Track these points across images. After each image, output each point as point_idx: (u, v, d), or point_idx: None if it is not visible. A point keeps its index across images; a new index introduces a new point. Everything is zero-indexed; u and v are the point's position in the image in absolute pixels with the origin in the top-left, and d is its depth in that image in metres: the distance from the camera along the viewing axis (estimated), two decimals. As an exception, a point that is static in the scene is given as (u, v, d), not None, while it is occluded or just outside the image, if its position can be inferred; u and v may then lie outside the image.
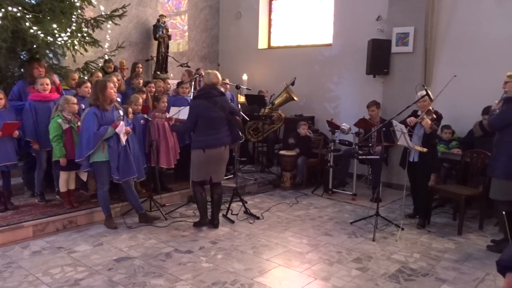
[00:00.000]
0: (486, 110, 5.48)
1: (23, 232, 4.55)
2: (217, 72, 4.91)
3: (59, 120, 4.90)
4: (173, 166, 6.00)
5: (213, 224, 5.03)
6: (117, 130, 4.63)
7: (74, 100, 5.03)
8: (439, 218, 5.59)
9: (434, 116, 4.92)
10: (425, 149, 4.88)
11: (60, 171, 5.07)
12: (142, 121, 5.57)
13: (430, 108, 4.98)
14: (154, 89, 6.55)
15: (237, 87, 6.33)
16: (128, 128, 4.78)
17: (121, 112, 4.87)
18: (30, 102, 5.13)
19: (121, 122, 4.67)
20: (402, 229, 5.02)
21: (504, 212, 4.32)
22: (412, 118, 5.07)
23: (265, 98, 7.78)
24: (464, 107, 6.25)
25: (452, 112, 6.05)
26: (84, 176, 5.22)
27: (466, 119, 6.09)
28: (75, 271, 3.82)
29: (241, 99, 7.98)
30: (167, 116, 5.33)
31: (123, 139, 4.71)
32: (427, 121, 4.83)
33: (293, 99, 7.44)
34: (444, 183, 5.99)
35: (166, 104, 5.88)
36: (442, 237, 4.90)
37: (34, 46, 5.64)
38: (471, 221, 5.43)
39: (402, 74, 6.88)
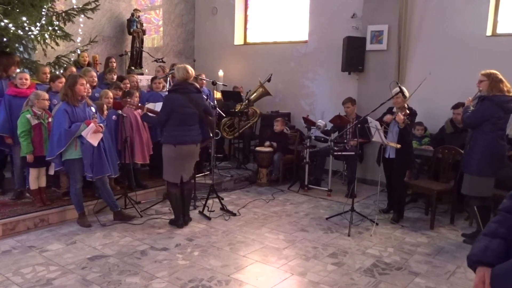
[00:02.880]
0: (457, 105, 5.64)
1: (-9, 231, 4.41)
2: (187, 66, 4.79)
3: (28, 116, 4.76)
4: (148, 162, 5.91)
5: (183, 219, 4.97)
6: (83, 133, 4.50)
7: (45, 96, 4.88)
8: (412, 213, 5.71)
9: (407, 111, 5.00)
10: (398, 146, 4.97)
11: (29, 168, 4.93)
12: (114, 116, 5.46)
13: (404, 104, 5.06)
14: (129, 85, 6.42)
15: (213, 83, 6.28)
16: (99, 127, 4.61)
17: (93, 109, 4.75)
18: (6, 96, 5.03)
19: (91, 124, 4.53)
20: (377, 224, 5.10)
21: (475, 207, 4.45)
22: (389, 116, 5.15)
23: (241, 94, 7.76)
24: (436, 104, 6.39)
25: (424, 109, 6.17)
26: (51, 170, 5.06)
27: (438, 115, 6.23)
28: (47, 271, 3.73)
29: (217, 95, 7.94)
30: (139, 105, 5.21)
31: (93, 141, 4.57)
32: (400, 116, 4.91)
33: (269, 94, 7.45)
34: (416, 178, 6.10)
35: (138, 99, 5.79)
36: (415, 231, 5.01)
37: (5, 39, 5.46)
38: (442, 215, 5.57)
39: (377, 71, 6.98)
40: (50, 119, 4.94)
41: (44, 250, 4.18)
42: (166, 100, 4.77)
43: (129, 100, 5.20)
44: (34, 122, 4.80)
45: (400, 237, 4.82)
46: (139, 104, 5.16)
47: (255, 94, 7.54)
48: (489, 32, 6.18)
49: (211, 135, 5.04)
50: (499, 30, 6.22)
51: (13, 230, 4.56)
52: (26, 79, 5.12)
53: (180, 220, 4.93)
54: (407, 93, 5.09)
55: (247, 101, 7.48)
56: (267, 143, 7.12)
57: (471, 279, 3.76)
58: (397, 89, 5.05)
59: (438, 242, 4.71)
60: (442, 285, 3.69)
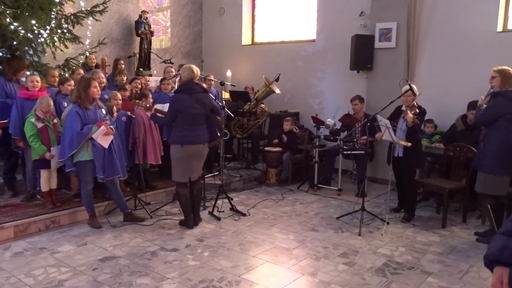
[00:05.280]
0: (472, 105, 5.56)
1: (3, 233, 4.44)
2: (192, 66, 4.80)
3: (32, 120, 4.79)
4: (160, 162, 5.92)
5: (194, 220, 4.97)
6: (93, 136, 4.51)
7: (50, 102, 4.89)
8: (423, 211, 5.65)
9: (417, 110, 4.95)
10: (409, 144, 4.92)
11: (40, 170, 4.96)
12: (123, 118, 5.48)
13: (414, 103, 5.01)
14: (140, 86, 6.43)
15: (221, 84, 6.29)
16: (110, 130, 4.62)
17: (103, 111, 4.78)
18: (18, 100, 5.07)
19: (102, 127, 4.54)
20: (388, 223, 5.05)
21: (489, 205, 4.39)
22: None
23: (250, 95, 7.75)
24: (446, 101, 6.32)
25: (435, 106, 6.10)
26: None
27: (448, 113, 6.16)
28: (58, 272, 3.75)
29: (226, 95, 7.95)
30: (148, 106, 5.20)
31: (104, 143, 4.59)
32: (410, 115, 4.86)
33: (274, 92, 7.43)
34: (427, 177, 6.05)
35: (152, 100, 5.81)
36: (427, 230, 4.96)
37: (14, 42, 5.50)
38: (454, 214, 5.51)
39: (385, 69, 6.93)
40: (55, 120, 4.98)
41: (55, 251, 4.20)
42: (172, 101, 4.79)
43: (137, 101, 5.20)
44: (40, 125, 4.83)
45: (412, 236, 4.77)
46: (148, 106, 5.16)
47: (260, 93, 7.53)
48: (499, 28, 6.10)
49: (218, 135, 5.03)
50: (510, 26, 6.14)
51: (25, 231, 4.59)
52: (38, 81, 5.16)
53: (190, 220, 4.93)
54: (416, 91, 5.03)
55: (255, 100, 7.47)
56: (276, 140, 7.09)
57: (484, 278, 3.71)
58: (407, 87, 4.99)
59: (451, 241, 4.66)
60: (455, 284, 3.64)
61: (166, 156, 5.98)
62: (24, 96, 5.08)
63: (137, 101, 5.25)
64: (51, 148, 4.84)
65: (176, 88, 5.87)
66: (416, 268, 3.94)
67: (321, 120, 6.67)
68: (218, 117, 5.01)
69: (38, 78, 5.21)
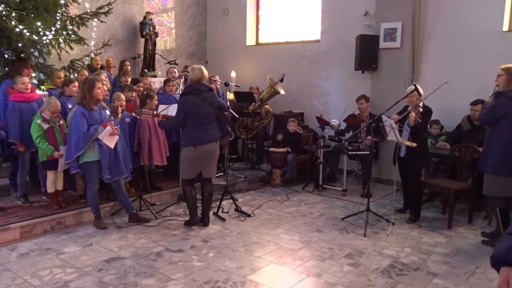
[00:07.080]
0: (476, 102, 5.54)
1: (10, 234, 4.46)
2: (202, 67, 4.84)
3: (38, 121, 4.80)
4: (166, 163, 5.93)
5: (203, 222, 4.99)
6: (99, 136, 4.54)
7: (58, 102, 4.90)
8: (428, 212, 5.62)
9: (420, 110, 4.92)
10: (414, 144, 4.90)
11: (47, 171, 4.98)
12: (127, 119, 5.48)
13: (420, 103, 4.98)
14: (142, 88, 6.45)
15: (226, 84, 6.29)
16: (115, 130, 4.64)
17: (108, 112, 4.79)
18: (12, 103, 4.99)
19: (107, 127, 4.57)
20: (393, 224, 5.03)
21: (498, 209, 4.35)
22: (395, 116, 5.08)
23: (255, 95, 7.75)
24: (452, 101, 6.28)
25: (440, 106, 6.06)
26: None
27: (454, 113, 6.13)
28: (64, 273, 3.76)
29: (230, 96, 7.95)
30: (155, 113, 5.23)
31: (110, 143, 4.61)
32: (412, 114, 4.83)
33: (279, 93, 7.43)
34: (433, 177, 6.02)
35: (158, 102, 5.82)
36: (432, 231, 4.93)
37: (20, 44, 5.53)
38: (460, 214, 5.47)
39: (390, 69, 6.90)
40: (61, 122, 5.00)
41: (61, 252, 4.22)
42: (179, 104, 4.80)
43: (144, 110, 5.22)
44: (46, 126, 4.84)
45: (417, 237, 4.75)
46: (155, 112, 5.18)
47: (265, 94, 7.53)
48: (505, 27, 6.06)
49: (230, 130, 5.05)
50: (516, 25, 6.11)
51: (31, 232, 4.61)
52: (28, 82, 5.12)
53: (195, 217, 4.95)
54: (422, 91, 5.01)
55: (259, 101, 7.47)
56: (280, 136, 7.08)
57: (491, 279, 3.69)
58: (412, 87, 4.97)
59: (457, 242, 4.63)
60: (461, 285, 3.62)
61: (171, 157, 6.00)
62: (19, 99, 5.02)
63: (142, 110, 5.25)
64: (60, 148, 4.86)
65: (182, 90, 5.88)
66: (422, 269, 3.92)
67: (326, 121, 6.66)
68: (225, 113, 5.03)
69: (27, 79, 5.13)
